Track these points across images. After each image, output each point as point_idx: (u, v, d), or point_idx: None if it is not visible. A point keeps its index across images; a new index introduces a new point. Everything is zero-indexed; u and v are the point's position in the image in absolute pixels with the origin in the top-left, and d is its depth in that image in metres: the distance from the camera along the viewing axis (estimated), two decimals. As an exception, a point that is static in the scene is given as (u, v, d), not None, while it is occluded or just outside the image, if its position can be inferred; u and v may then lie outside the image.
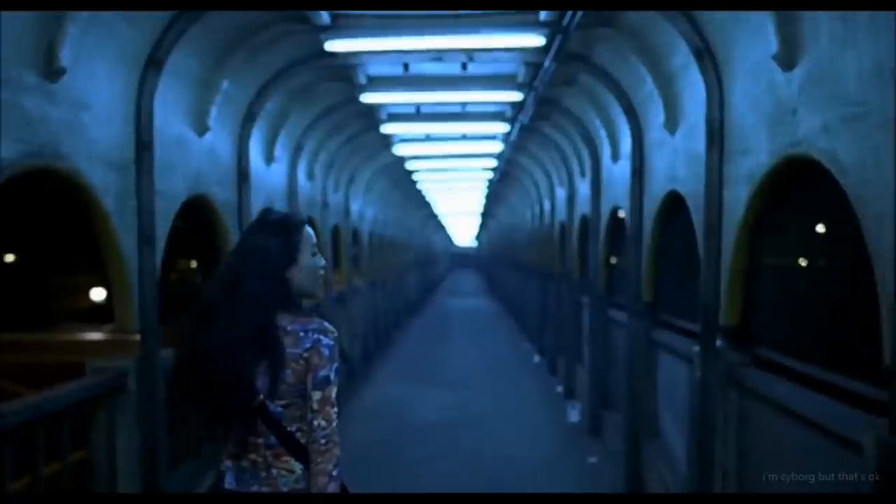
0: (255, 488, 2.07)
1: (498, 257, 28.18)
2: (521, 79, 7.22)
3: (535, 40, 5.59)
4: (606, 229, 7.70)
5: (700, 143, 4.44)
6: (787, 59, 3.29)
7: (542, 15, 5.25)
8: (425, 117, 9.35)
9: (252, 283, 2.06)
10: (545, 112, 8.34)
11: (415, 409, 9.46)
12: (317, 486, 2.01)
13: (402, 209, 19.38)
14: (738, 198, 3.99)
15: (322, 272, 2.21)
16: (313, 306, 2.19)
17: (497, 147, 11.23)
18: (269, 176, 6.89)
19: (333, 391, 2.04)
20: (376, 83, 7.39)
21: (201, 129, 5.16)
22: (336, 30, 5.41)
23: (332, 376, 2.05)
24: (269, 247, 2.10)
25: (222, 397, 2.03)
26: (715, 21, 4.10)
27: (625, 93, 6.12)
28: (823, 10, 2.99)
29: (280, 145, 7.03)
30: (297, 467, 2.06)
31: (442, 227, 35.64)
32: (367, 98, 7.52)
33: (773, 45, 3.31)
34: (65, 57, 3.33)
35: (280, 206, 7.17)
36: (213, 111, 5.21)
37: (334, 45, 5.63)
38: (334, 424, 2.03)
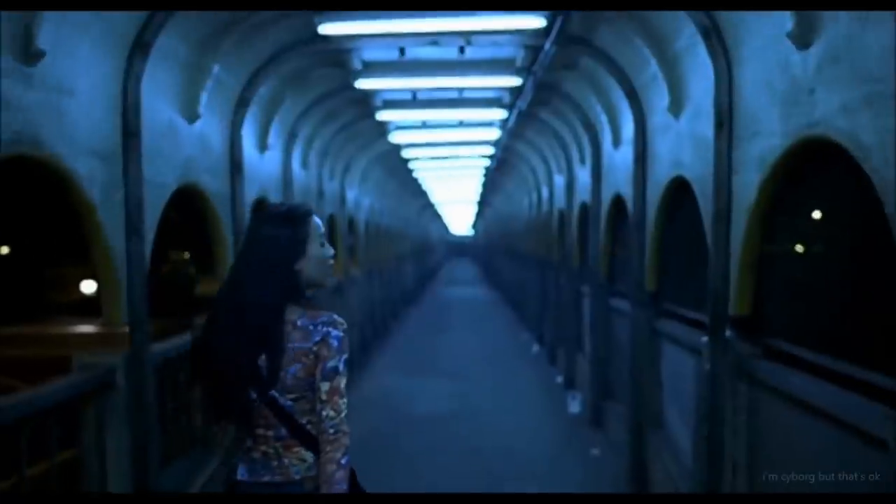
0: (267, 478, 2.10)
1: (495, 246, 28.07)
2: (519, 63, 7.09)
3: (536, 21, 5.45)
4: (607, 217, 7.57)
5: (707, 126, 4.29)
6: (803, 37, 3.15)
7: (543, -5, 5.11)
8: (421, 104, 9.23)
9: (258, 277, 2.07)
10: (544, 97, 8.19)
11: (413, 400, 9.37)
12: (325, 474, 2.00)
13: (399, 198, 19.22)
14: (748, 182, 3.85)
15: (331, 262, 2.22)
16: (309, 295, 2.17)
17: (494, 134, 11.11)
18: (263, 164, 6.73)
19: (342, 382, 2.05)
20: (371, 68, 7.26)
21: (191, 116, 4.98)
22: (330, 12, 5.26)
23: (341, 367, 2.06)
24: (279, 239, 2.10)
25: (223, 386, 2.08)
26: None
27: (627, 76, 5.97)
28: (832, 10, 2.85)
29: (274, 132, 6.86)
30: (309, 456, 2.09)
31: (438, 216, 35.50)
32: (363, 84, 7.38)
33: (789, 23, 3.17)
34: (43, 39, 3.17)
35: (275, 195, 7.03)
36: (204, 97, 5.03)
37: (328, 28, 5.50)
38: (343, 414, 2.04)
